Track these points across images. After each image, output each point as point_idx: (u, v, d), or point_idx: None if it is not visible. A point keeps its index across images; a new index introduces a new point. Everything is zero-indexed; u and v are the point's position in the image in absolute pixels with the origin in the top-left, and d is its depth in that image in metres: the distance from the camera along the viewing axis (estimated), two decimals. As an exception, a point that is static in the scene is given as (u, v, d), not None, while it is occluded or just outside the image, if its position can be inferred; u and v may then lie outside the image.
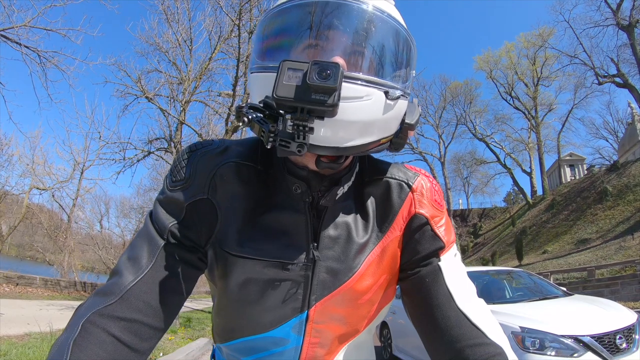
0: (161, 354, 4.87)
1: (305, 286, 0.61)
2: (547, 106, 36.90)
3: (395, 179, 0.66)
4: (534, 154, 37.75)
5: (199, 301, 21.27)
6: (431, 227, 0.64)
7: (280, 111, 0.47)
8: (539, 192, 36.51)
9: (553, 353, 3.11)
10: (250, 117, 0.49)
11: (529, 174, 38.35)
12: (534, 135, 37.25)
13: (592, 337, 3.16)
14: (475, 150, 44.80)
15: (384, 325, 6.15)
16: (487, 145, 40.32)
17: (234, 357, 0.69)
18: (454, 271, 0.63)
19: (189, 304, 16.31)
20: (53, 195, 18.34)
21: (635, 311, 3.94)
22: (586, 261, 18.29)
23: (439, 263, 0.63)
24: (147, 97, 9.68)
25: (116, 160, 10.97)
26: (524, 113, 37.45)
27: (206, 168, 0.60)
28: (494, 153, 39.99)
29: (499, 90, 38.65)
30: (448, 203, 40.17)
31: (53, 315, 7.30)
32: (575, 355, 3.07)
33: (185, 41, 10.48)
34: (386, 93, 0.51)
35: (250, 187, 0.61)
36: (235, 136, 9.39)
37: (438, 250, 0.63)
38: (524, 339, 3.23)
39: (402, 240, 0.65)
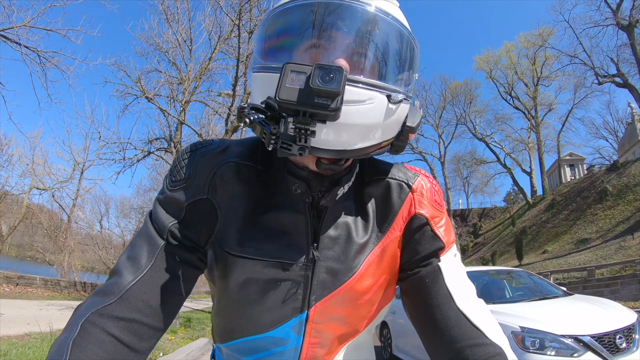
0: (161, 354, 4.87)
1: (305, 286, 0.61)
2: (547, 106, 36.95)
3: (395, 179, 0.66)
4: (534, 154, 37.79)
5: (199, 301, 21.27)
6: (431, 228, 0.64)
7: (282, 113, 0.47)
8: (539, 192, 36.54)
9: (553, 353, 3.11)
10: (251, 118, 0.49)
11: (529, 174, 38.39)
12: (534, 135, 37.27)
13: (592, 336, 3.16)
14: (475, 150, 44.92)
15: (384, 325, 6.15)
16: (487, 145, 40.35)
17: (233, 357, 0.69)
18: (454, 271, 0.63)
19: (189, 304, 16.31)
20: (53, 195, 18.35)
21: (635, 311, 3.94)
22: (586, 261, 18.30)
23: (439, 263, 0.62)
24: (147, 97, 9.68)
25: (116, 160, 10.98)
26: (524, 113, 37.48)
27: (206, 168, 0.60)
28: (494, 153, 40.03)
29: (498, 90, 38.73)
30: (448, 203, 40.18)
31: (53, 315, 7.30)
32: (575, 355, 3.07)
33: (185, 41, 10.48)
34: (388, 97, 0.51)
35: (250, 187, 0.61)
36: (235, 136, 9.39)
37: (438, 250, 0.63)
38: (524, 338, 3.23)
39: (402, 241, 0.65)
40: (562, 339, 3.15)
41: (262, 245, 0.59)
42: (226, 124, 9.48)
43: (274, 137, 0.47)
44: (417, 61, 0.57)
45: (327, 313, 0.63)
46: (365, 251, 0.63)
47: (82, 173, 18.71)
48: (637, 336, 3.35)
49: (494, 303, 4.07)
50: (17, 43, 7.93)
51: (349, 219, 0.63)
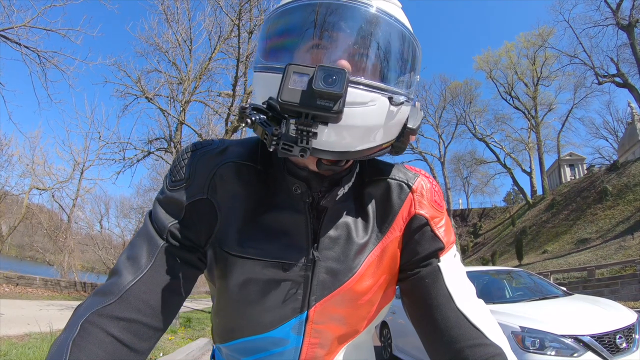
0: (161, 354, 4.87)
1: (305, 286, 0.61)
2: (547, 106, 36.97)
3: (395, 179, 0.66)
4: (533, 154, 37.80)
5: (199, 301, 21.27)
6: (431, 228, 0.64)
7: (284, 114, 0.47)
8: (539, 191, 36.55)
9: (553, 353, 3.11)
10: (253, 118, 0.49)
11: (529, 174, 38.40)
12: (533, 135, 37.29)
13: (592, 336, 3.16)
14: (475, 150, 44.91)
15: (384, 325, 6.15)
16: (487, 145, 40.35)
17: (233, 358, 0.69)
18: (454, 272, 0.63)
19: (189, 304, 16.32)
20: (53, 196, 18.36)
21: (635, 311, 3.94)
22: (586, 261, 18.31)
23: (439, 264, 0.62)
24: (147, 97, 9.67)
25: (116, 161, 10.95)
26: (523, 113, 37.49)
27: (206, 168, 0.60)
28: (494, 153, 40.03)
29: (498, 90, 38.75)
30: (448, 203, 40.16)
31: (53, 315, 7.30)
32: (575, 355, 3.07)
33: (185, 41, 10.47)
34: (390, 99, 0.51)
35: (250, 187, 0.60)
36: (235, 136, 9.39)
37: (438, 251, 0.63)
38: (524, 338, 3.23)
39: (402, 241, 0.65)
40: (562, 339, 3.15)
41: (262, 246, 0.59)
42: (226, 124, 9.48)
43: (275, 138, 0.47)
44: (418, 63, 0.57)
45: (327, 313, 0.63)
46: (365, 251, 0.63)
47: (82, 173, 18.74)
48: (637, 336, 3.35)
49: (494, 303, 4.07)
50: (17, 43, 7.92)
51: (349, 219, 0.63)
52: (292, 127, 0.46)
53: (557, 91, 36.54)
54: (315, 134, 0.46)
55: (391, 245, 0.64)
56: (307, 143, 0.46)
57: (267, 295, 0.60)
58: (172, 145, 9.93)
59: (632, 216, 21.36)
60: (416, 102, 0.59)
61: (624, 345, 3.19)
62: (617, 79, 28.59)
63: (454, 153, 49.47)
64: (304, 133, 0.46)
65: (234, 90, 9.20)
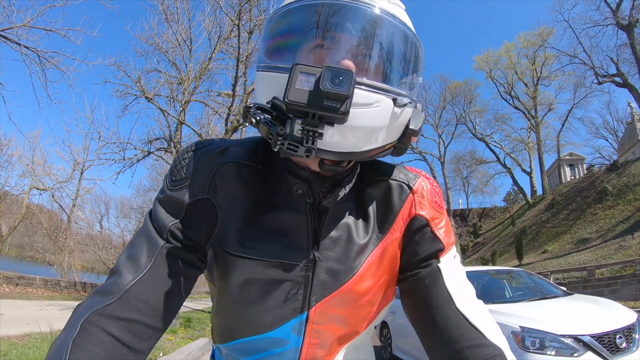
0: (161, 354, 4.87)
1: (306, 287, 0.61)
2: (547, 106, 36.97)
3: (396, 180, 0.66)
4: (533, 154, 37.81)
5: (199, 301, 21.28)
6: (431, 229, 0.64)
7: (290, 114, 0.47)
8: (539, 191, 36.57)
9: (553, 353, 3.11)
10: (258, 118, 0.49)
11: (529, 174, 38.41)
12: (533, 135, 37.30)
13: (592, 336, 3.16)
14: (475, 150, 44.92)
15: (384, 325, 6.15)
16: (487, 145, 40.35)
17: (233, 358, 0.69)
18: (453, 273, 0.63)
19: (189, 304, 16.32)
20: (53, 196, 18.37)
21: (635, 311, 3.93)
22: (586, 261, 18.32)
23: (439, 264, 0.62)
24: (146, 97, 9.66)
25: (116, 161, 10.95)
26: (523, 113, 37.49)
27: (206, 168, 0.60)
28: (494, 153, 40.03)
29: (498, 90, 38.75)
30: (448, 203, 40.17)
31: (53, 315, 7.29)
32: (575, 354, 3.07)
33: (185, 41, 10.46)
34: (394, 100, 0.51)
35: (250, 187, 0.60)
36: (235, 136, 9.39)
37: (438, 252, 0.63)
38: (524, 338, 3.23)
39: (402, 242, 0.65)
40: (562, 339, 3.15)
41: (263, 246, 0.59)
42: (226, 124, 9.47)
43: (280, 138, 0.47)
44: (421, 64, 0.57)
45: (327, 314, 0.63)
46: (365, 252, 0.63)
47: (82, 173, 18.75)
48: (637, 336, 3.35)
49: (494, 303, 4.07)
50: (17, 43, 7.91)
51: (350, 220, 0.63)
52: (298, 127, 0.46)
53: (557, 91, 36.63)
54: (321, 135, 0.46)
55: (391, 245, 0.64)
56: (313, 143, 0.46)
57: (267, 295, 0.60)
58: (172, 145, 9.93)
59: (632, 216, 21.37)
60: (417, 104, 0.60)
61: (624, 345, 3.19)
62: (617, 79, 28.59)
63: (454, 153, 49.55)
64: (310, 133, 0.46)
65: (233, 90, 9.20)
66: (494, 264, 24.95)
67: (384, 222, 0.64)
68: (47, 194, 18.26)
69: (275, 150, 0.48)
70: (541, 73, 35.75)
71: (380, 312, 0.68)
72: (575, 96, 34.61)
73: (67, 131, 27.57)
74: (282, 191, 0.61)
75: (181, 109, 9.79)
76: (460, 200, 46.52)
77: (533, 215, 31.74)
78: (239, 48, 8.91)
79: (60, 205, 19.03)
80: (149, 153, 10.94)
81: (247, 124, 0.49)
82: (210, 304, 0.78)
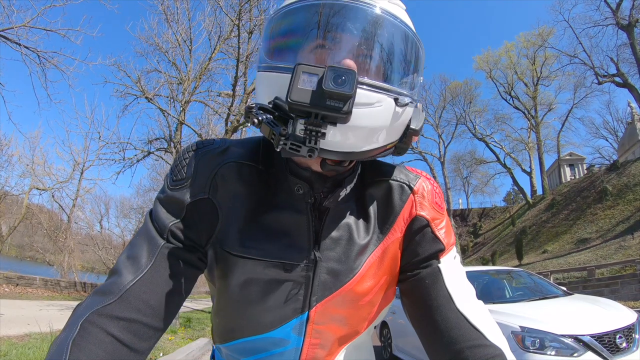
0: (161, 354, 4.87)
1: (306, 287, 0.61)
2: (547, 106, 36.98)
3: (396, 180, 0.66)
4: (533, 154, 37.82)
5: (199, 301, 21.27)
6: (431, 230, 0.64)
7: (292, 114, 0.47)
8: (539, 191, 36.58)
9: (553, 353, 3.11)
10: (260, 118, 0.49)
11: (529, 174, 38.42)
12: (533, 135, 37.31)
13: (592, 336, 3.16)
14: (475, 150, 44.92)
15: (384, 325, 6.15)
16: (487, 145, 40.36)
17: (233, 358, 0.69)
18: (454, 273, 0.63)
19: (189, 304, 16.32)
20: (53, 196, 18.36)
21: (635, 310, 3.93)
22: (586, 261, 18.32)
23: (439, 265, 0.63)
24: (146, 97, 9.66)
25: (116, 161, 10.94)
26: (523, 113, 37.51)
27: (207, 168, 0.60)
28: (494, 153, 40.04)
29: (498, 90, 38.76)
30: (448, 203, 40.16)
31: (53, 315, 7.29)
32: (575, 354, 3.07)
33: (185, 41, 10.46)
34: (396, 100, 0.51)
35: (251, 187, 0.60)
36: (235, 136, 9.39)
37: (438, 252, 0.63)
38: (524, 338, 3.23)
39: (402, 242, 0.65)
40: (562, 339, 3.15)
41: (264, 246, 0.59)
42: (226, 124, 9.46)
43: (283, 138, 0.47)
44: (422, 64, 0.57)
45: (328, 314, 0.63)
46: (366, 252, 0.63)
47: (82, 173, 18.74)
48: (637, 336, 3.35)
49: (494, 303, 4.07)
50: (17, 43, 7.91)
51: (351, 220, 0.63)
52: (300, 127, 0.46)
53: (557, 91, 36.65)
54: (323, 135, 0.46)
55: (392, 246, 0.64)
56: (316, 143, 0.46)
57: (268, 295, 0.60)
58: (172, 145, 9.93)
59: (632, 216, 21.37)
60: (418, 104, 0.60)
61: (624, 345, 3.19)
62: (617, 79, 28.60)
63: (454, 153, 49.57)
64: (313, 133, 0.46)
65: (233, 90, 9.20)
66: (494, 264, 24.95)
67: (385, 223, 0.64)
68: (47, 194, 18.27)
69: (278, 150, 0.48)
70: (541, 73, 35.77)
71: (381, 312, 0.68)
72: (575, 96, 34.70)
73: (67, 131, 27.60)
74: (283, 191, 0.61)
75: (181, 109, 9.79)
76: (460, 200, 46.59)
77: (533, 215, 31.75)
78: (239, 48, 8.91)
79: (60, 205, 19.05)
80: (149, 153, 10.93)
81: (249, 124, 0.49)
82: (210, 304, 0.78)
